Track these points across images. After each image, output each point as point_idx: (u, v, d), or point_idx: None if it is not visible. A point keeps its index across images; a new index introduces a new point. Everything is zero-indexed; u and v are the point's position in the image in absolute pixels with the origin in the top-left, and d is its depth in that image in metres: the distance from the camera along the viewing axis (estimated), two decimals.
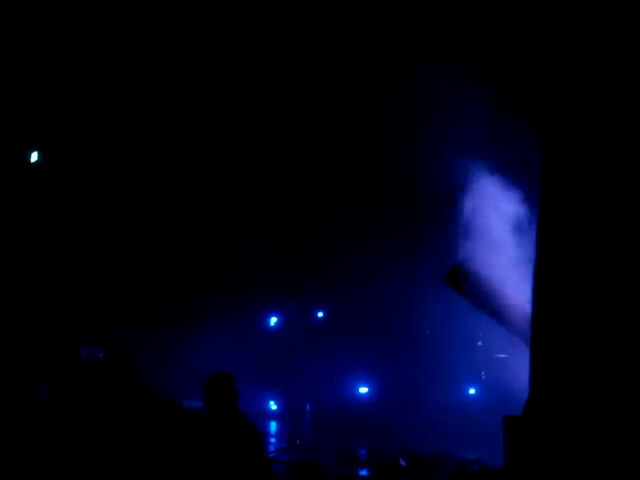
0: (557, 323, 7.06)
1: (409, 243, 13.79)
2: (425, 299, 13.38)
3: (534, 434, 7.10)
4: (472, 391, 14.49)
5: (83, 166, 14.41)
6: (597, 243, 6.92)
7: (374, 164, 13.55)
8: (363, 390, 15.81)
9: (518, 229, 11.10)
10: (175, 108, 13.92)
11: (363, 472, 9.91)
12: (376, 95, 12.25)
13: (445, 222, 12.11)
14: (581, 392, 6.93)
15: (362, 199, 14.31)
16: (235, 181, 14.60)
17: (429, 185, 12.67)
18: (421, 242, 13.35)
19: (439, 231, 12.41)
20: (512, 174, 10.68)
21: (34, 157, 14.18)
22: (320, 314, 16.62)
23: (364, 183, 14.02)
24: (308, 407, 15.21)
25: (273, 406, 16.68)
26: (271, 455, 10.79)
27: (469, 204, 10.99)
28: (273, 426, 15.66)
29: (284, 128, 14.00)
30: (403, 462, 9.57)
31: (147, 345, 14.51)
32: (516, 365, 11.08)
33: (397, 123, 12.23)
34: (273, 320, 16.78)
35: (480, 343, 14.30)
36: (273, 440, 12.36)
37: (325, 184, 14.16)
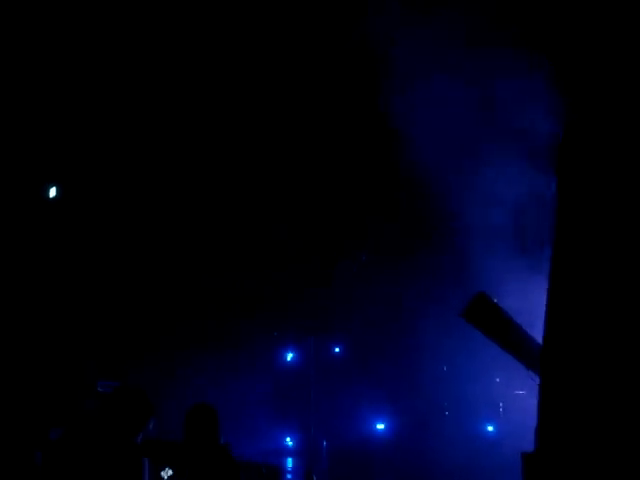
0: (568, 353, 6.92)
1: (427, 277, 13.69)
2: (442, 334, 13.28)
3: (547, 469, 6.96)
4: (490, 428, 14.30)
5: (101, 201, 14.46)
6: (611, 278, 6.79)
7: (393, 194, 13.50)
8: (380, 427, 15.65)
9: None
10: (193, 136, 13.99)
11: None
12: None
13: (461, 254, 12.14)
14: (593, 426, 6.80)
15: (380, 235, 14.26)
16: (252, 211, 14.56)
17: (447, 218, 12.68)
18: (439, 275, 13.28)
19: (457, 263, 12.41)
20: None
21: (53, 192, 14.26)
22: (337, 349, 16.53)
23: (383, 217, 13.97)
24: (325, 443, 15.06)
25: (289, 442, 16.55)
26: None
27: None
28: (289, 462, 15.51)
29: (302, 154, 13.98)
30: None
31: (162, 379, 14.46)
32: (535, 401, 10.98)
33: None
34: (289, 356, 16.70)
35: (498, 379, 14.13)
36: (289, 477, 12.21)
37: (344, 217, 14.08)
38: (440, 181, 12.19)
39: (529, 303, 9.84)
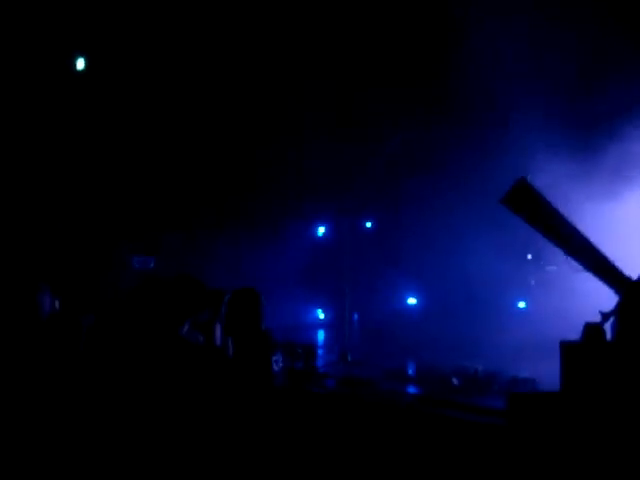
0: None
1: (467, 160, 13.43)
2: (475, 213, 13.16)
3: (597, 363, 6.97)
4: (522, 304, 14.34)
5: (130, 74, 14.15)
6: None
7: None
8: (412, 301, 15.75)
9: None
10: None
11: (412, 389, 9.86)
12: None
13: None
14: None
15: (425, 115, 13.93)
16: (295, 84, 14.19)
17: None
18: (477, 156, 13.03)
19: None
20: None
21: (80, 64, 13.96)
22: (368, 224, 16.48)
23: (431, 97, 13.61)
24: (356, 317, 15.19)
25: (321, 315, 16.75)
26: (321, 370, 10.80)
27: None
28: (321, 335, 15.72)
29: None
30: (456, 381, 9.51)
31: (195, 253, 14.52)
32: (565, 277, 10.95)
33: None
34: (321, 230, 16.69)
35: (530, 256, 14.07)
36: (321, 352, 12.36)
37: (386, 93, 13.69)
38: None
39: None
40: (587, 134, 11.65)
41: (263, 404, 6.80)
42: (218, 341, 5.93)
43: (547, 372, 8.02)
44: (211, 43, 13.76)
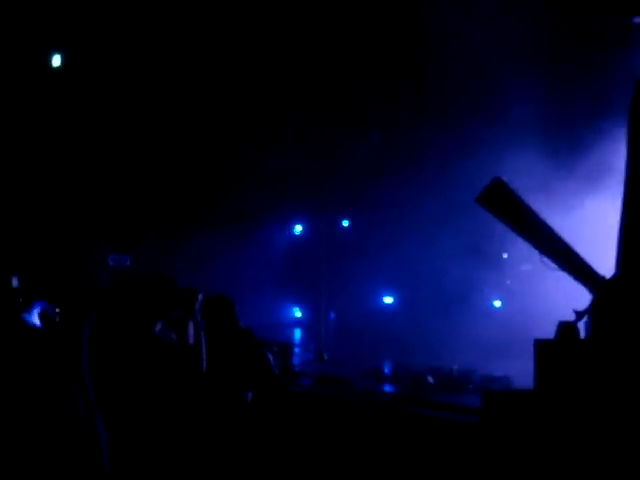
0: None
1: (439, 157, 13.49)
2: (451, 212, 13.21)
3: (571, 361, 7.02)
4: (497, 304, 14.41)
5: (104, 69, 14.08)
6: None
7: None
8: (388, 300, 15.77)
9: None
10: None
11: (388, 388, 9.90)
12: None
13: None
14: None
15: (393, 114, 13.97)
16: (263, 82, 14.17)
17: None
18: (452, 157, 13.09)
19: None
20: None
21: (56, 61, 13.88)
22: (345, 223, 16.48)
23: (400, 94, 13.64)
24: (332, 315, 15.20)
25: (297, 313, 16.73)
26: (297, 369, 10.81)
27: None
28: (297, 334, 15.73)
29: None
30: (431, 379, 9.55)
31: (172, 252, 14.48)
32: (540, 276, 11.00)
33: None
34: (298, 229, 16.68)
35: (505, 255, 14.14)
36: (297, 350, 12.38)
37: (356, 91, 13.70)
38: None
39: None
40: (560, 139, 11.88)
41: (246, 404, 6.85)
42: (191, 340, 5.93)
43: (522, 370, 8.06)
44: (185, 41, 13.72)
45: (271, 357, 7.15)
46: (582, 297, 8.22)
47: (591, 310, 7.82)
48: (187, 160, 14.67)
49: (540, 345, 7.37)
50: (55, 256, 13.09)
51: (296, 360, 11.17)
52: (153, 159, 14.47)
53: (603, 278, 8.16)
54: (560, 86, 12.18)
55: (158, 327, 5.92)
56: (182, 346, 5.96)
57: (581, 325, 7.80)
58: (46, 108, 13.82)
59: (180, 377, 5.73)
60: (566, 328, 7.53)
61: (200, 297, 6.01)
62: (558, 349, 7.35)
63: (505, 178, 8.72)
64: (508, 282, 14.20)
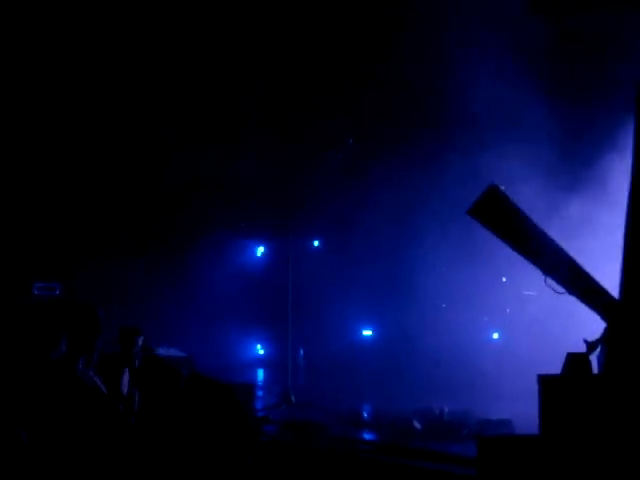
0: None
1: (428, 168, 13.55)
2: (440, 230, 13.23)
3: (582, 400, 6.98)
4: (495, 336, 14.42)
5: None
6: None
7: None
8: (367, 333, 15.71)
9: None
10: None
11: (368, 435, 9.83)
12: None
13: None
14: None
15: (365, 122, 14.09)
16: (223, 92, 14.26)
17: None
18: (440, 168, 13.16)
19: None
20: None
21: None
22: (316, 243, 16.42)
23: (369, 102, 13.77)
24: (302, 352, 15.12)
25: (260, 351, 16.62)
26: (260, 414, 10.72)
27: None
28: (260, 374, 15.63)
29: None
30: (418, 424, 9.48)
31: (111, 281, 14.37)
32: (546, 304, 11.00)
33: None
34: (260, 250, 16.60)
35: (505, 279, 14.15)
36: (260, 393, 12.29)
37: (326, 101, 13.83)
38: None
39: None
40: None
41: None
42: (125, 389, 5.80)
43: (524, 412, 8.03)
44: (137, 44, 13.82)
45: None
46: (594, 325, 8.19)
47: (605, 340, 7.78)
48: (128, 181, 14.70)
49: (546, 381, 7.32)
50: None
51: (259, 404, 11.07)
52: (92, 181, 14.49)
53: (618, 303, 8.13)
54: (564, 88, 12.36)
55: (80, 366, 5.78)
56: (113, 396, 5.78)
57: (593, 358, 7.76)
58: None
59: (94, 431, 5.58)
60: (576, 361, 7.49)
61: (140, 341, 5.90)
62: (567, 385, 7.29)
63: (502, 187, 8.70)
64: (508, 310, 14.20)
